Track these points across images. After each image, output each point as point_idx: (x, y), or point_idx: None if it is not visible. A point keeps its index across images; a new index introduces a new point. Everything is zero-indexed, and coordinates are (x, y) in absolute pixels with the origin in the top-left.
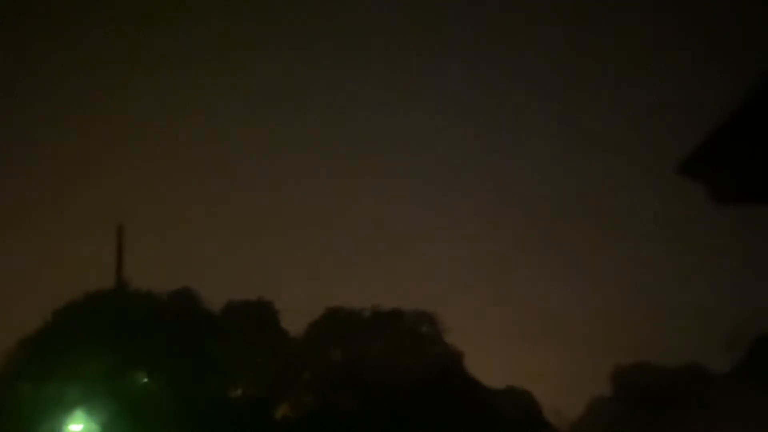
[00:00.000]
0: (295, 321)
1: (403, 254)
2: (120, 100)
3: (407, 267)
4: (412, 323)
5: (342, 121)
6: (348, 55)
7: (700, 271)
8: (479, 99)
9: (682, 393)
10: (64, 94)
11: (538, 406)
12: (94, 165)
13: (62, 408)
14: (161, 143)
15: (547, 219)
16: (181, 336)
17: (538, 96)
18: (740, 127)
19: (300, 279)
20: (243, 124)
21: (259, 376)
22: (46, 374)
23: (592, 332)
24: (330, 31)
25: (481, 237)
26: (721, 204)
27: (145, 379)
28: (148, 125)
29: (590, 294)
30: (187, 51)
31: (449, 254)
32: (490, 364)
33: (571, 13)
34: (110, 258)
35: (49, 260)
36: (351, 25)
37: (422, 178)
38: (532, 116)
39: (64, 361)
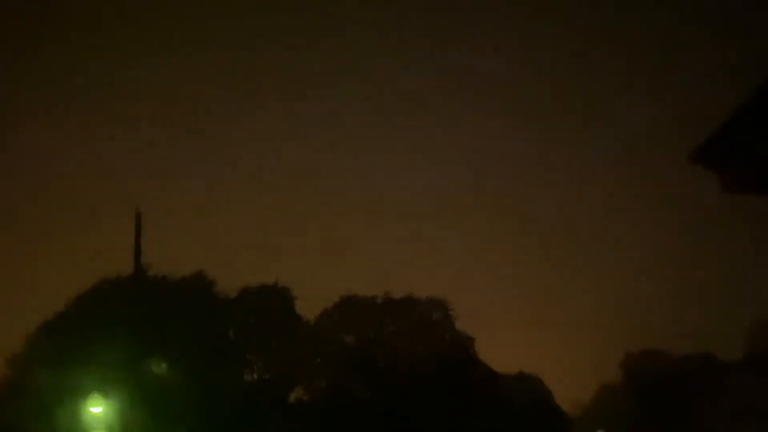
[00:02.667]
0: (309, 306)
1: (417, 242)
2: (138, 87)
3: (420, 254)
4: (424, 310)
5: (357, 108)
6: (364, 42)
7: (711, 260)
8: (488, 90)
9: (692, 380)
10: (82, 80)
11: (549, 391)
12: (113, 152)
13: (82, 390)
14: (179, 130)
15: (559, 208)
16: (197, 320)
17: (550, 82)
18: (749, 118)
19: (315, 266)
20: (260, 111)
21: (273, 361)
22: (67, 357)
23: (603, 319)
24: (338, 25)
25: (493, 226)
26: (731, 193)
27: (163, 363)
28: (164, 112)
29: (601, 282)
30: (203, 40)
31: (462, 242)
32: (502, 350)
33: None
34: (129, 243)
35: (69, 246)
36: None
37: (438, 167)
38: (546, 103)
39: (85, 345)
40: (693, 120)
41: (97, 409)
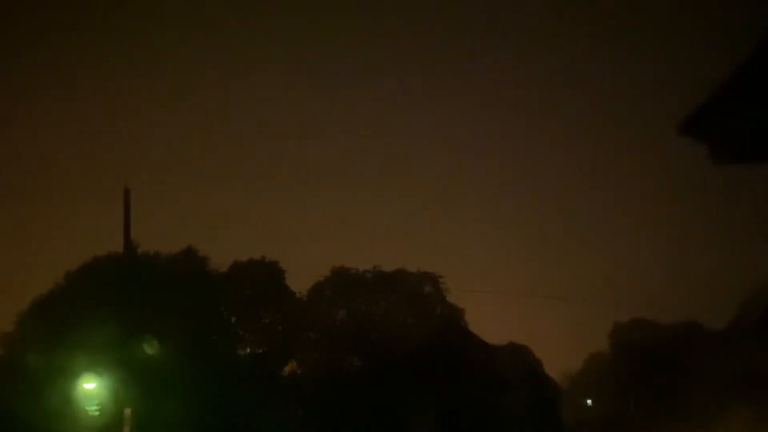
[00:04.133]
0: (300, 281)
1: (408, 216)
2: (128, 65)
3: (411, 229)
4: (415, 283)
5: (349, 81)
6: (359, 27)
7: (698, 230)
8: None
9: (679, 349)
10: (70, 58)
11: (539, 361)
12: (100, 128)
13: (75, 367)
14: (166, 106)
15: (551, 182)
16: (189, 296)
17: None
18: (738, 88)
19: (305, 239)
20: (247, 84)
21: (266, 335)
22: (59, 335)
23: (592, 290)
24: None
25: (483, 199)
26: (719, 164)
27: (155, 339)
28: (151, 88)
29: (590, 253)
30: (198, 16)
31: (452, 216)
32: (492, 322)
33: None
34: (118, 220)
35: (58, 224)
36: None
37: (427, 139)
38: (537, 82)
39: (77, 322)
40: (682, 90)
41: (90, 385)
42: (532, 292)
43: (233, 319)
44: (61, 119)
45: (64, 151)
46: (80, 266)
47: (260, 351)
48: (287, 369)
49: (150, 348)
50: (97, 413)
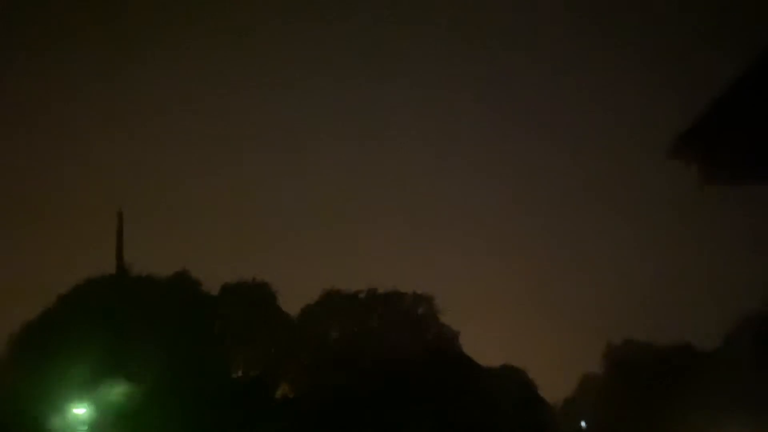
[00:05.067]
0: (292, 301)
1: (401, 236)
2: (120, 87)
3: (404, 249)
4: (409, 304)
5: (337, 104)
6: (351, 51)
7: (692, 251)
8: (479, 82)
9: (674, 370)
10: (65, 81)
11: (533, 383)
12: (94, 151)
13: (66, 390)
14: (160, 129)
15: (544, 202)
16: (181, 318)
17: (540, 81)
18: (727, 111)
19: (297, 260)
20: (240, 109)
21: (258, 357)
22: (50, 358)
23: (585, 311)
24: (332, 30)
25: (477, 220)
26: (710, 185)
27: (147, 362)
28: (146, 112)
29: (583, 274)
30: (187, 41)
31: (446, 236)
32: (486, 343)
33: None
34: (111, 242)
35: (51, 246)
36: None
37: (417, 160)
38: (532, 101)
39: (69, 345)
40: (669, 114)
41: (80, 410)
42: (525, 313)
43: (225, 342)
44: (54, 139)
45: (58, 172)
46: (73, 288)
47: (253, 374)
48: (280, 392)
49: (142, 371)
50: None
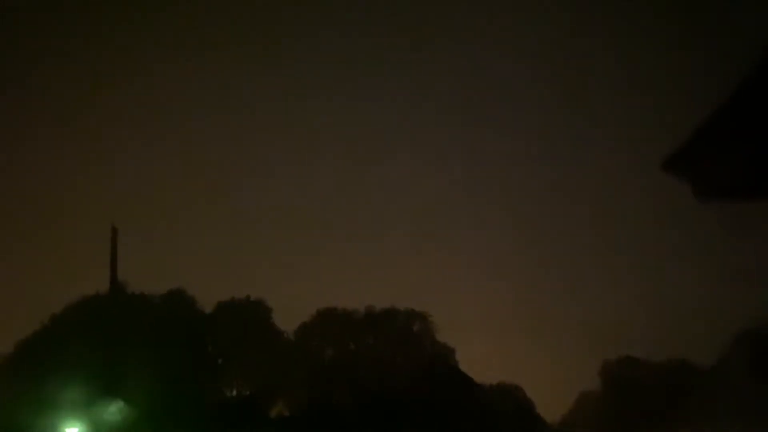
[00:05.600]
0: (288, 319)
1: (396, 254)
2: (115, 104)
3: (400, 267)
4: (404, 322)
5: (336, 120)
6: (347, 57)
7: (687, 267)
8: (475, 97)
9: (669, 387)
10: (61, 98)
11: (530, 401)
12: (88, 168)
13: (58, 409)
14: (154, 146)
15: (539, 219)
16: (175, 336)
17: (539, 98)
18: (722, 124)
19: (292, 278)
20: (236, 126)
21: (253, 375)
22: (43, 376)
23: (581, 328)
24: (329, 35)
25: (472, 237)
26: (705, 200)
27: (141, 380)
28: (141, 129)
29: (579, 292)
30: (183, 55)
31: (442, 254)
32: (482, 361)
33: (568, 12)
34: (104, 259)
35: (44, 263)
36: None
37: (415, 177)
38: (533, 118)
39: (62, 364)
40: (665, 128)
41: (73, 429)
42: (521, 330)
43: (219, 360)
44: (49, 154)
45: (53, 190)
46: (66, 307)
47: (247, 392)
48: (275, 410)
49: (136, 390)
50: None
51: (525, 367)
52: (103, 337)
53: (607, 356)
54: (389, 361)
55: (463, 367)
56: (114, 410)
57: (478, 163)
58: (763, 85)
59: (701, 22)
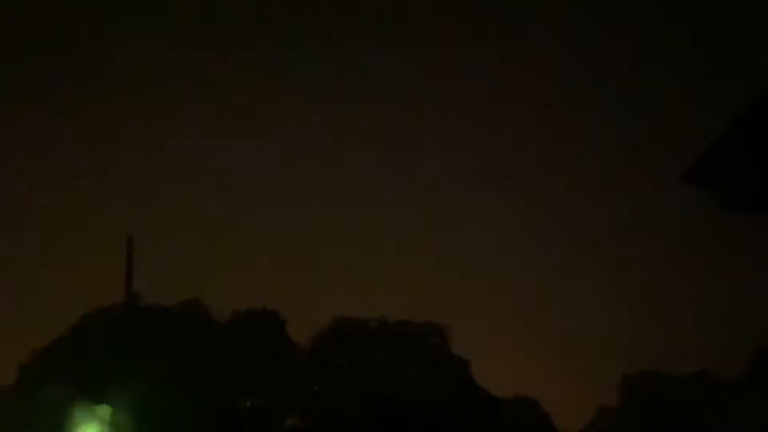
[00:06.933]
0: (302, 331)
1: (411, 264)
2: (129, 111)
3: (415, 277)
4: (419, 334)
5: (348, 129)
6: (354, 65)
7: (710, 279)
8: (482, 106)
9: (691, 401)
10: (73, 105)
11: (548, 415)
12: (103, 178)
13: (73, 420)
14: (170, 156)
15: (555, 229)
16: (190, 347)
17: (546, 105)
18: (743, 136)
19: (307, 289)
20: (250, 136)
21: (267, 387)
22: (57, 387)
23: (600, 341)
24: (333, 39)
25: (489, 248)
26: (726, 211)
27: (155, 392)
28: (156, 138)
29: (598, 304)
30: (195, 64)
31: (457, 265)
32: (499, 374)
33: (574, 15)
34: (120, 269)
35: (59, 273)
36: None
37: (431, 187)
38: (543, 129)
39: (76, 375)
40: (683, 139)
41: None
42: (539, 343)
43: (234, 371)
44: (63, 163)
45: (66, 199)
46: (82, 317)
47: (261, 404)
48: (290, 422)
49: (149, 401)
50: None
51: (542, 380)
52: (118, 348)
53: (626, 370)
54: (403, 373)
55: (479, 380)
56: (127, 421)
57: (499, 176)
58: None
59: (723, 25)
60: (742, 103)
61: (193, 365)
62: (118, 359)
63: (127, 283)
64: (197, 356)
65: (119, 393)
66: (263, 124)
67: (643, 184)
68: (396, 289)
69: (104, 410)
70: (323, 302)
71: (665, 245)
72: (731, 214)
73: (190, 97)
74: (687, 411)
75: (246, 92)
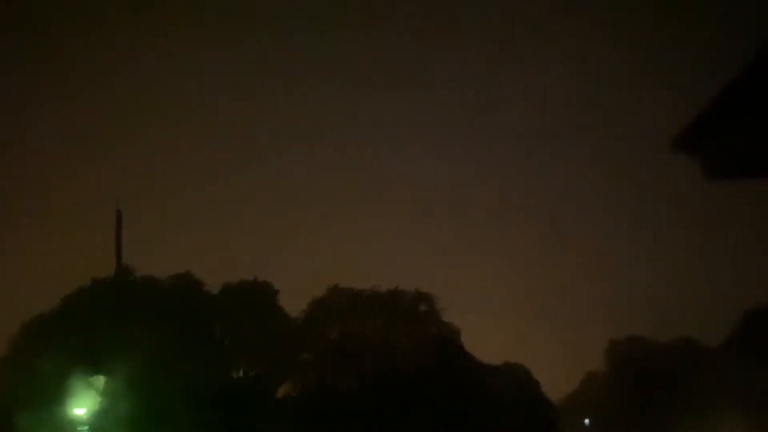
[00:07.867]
0: (294, 300)
1: (401, 234)
2: (118, 87)
3: (404, 247)
4: (410, 303)
5: (338, 102)
6: (344, 47)
7: (694, 246)
8: (478, 91)
9: (676, 366)
10: (64, 81)
11: (536, 381)
12: (93, 152)
13: (67, 391)
14: (158, 129)
15: (546, 200)
16: (182, 318)
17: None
18: (733, 101)
19: (298, 259)
20: (238, 108)
21: (259, 356)
22: (50, 359)
23: (587, 307)
24: (331, 27)
25: (478, 217)
26: (715, 180)
27: (148, 362)
28: (145, 112)
29: (585, 270)
30: (186, 41)
31: (447, 234)
32: (488, 341)
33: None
34: (110, 242)
35: (51, 246)
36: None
37: (421, 158)
38: (535, 100)
39: (68, 347)
40: (672, 108)
41: (81, 410)
42: (527, 310)
43: (226, 342)
44: (53, 139)
45: (58, 173)
46: (76, 290)
47: (253, 373)
48: (281, 391)
49: (142, 371)
50: None
51: (531, 347)
52: (109, 319)
53: (614, 336)
54: (395, 342)
55: (469, 347)
56: (119, 392)
57: (486, 144)
58: None
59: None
60: (731, 68)
61: (187, 335)
62: (111, 331)
63: (117, 255)
64: (190, 327)
65: (113, 363)
66: (256, 99)
67: (631, 155)
68: (386, 260)
69: (98, 380)
70: (315, 273)
71: (653, 214)
72: (720, 181)
73: (177, 75)
74: (673, 376)
75: (233, 70)
